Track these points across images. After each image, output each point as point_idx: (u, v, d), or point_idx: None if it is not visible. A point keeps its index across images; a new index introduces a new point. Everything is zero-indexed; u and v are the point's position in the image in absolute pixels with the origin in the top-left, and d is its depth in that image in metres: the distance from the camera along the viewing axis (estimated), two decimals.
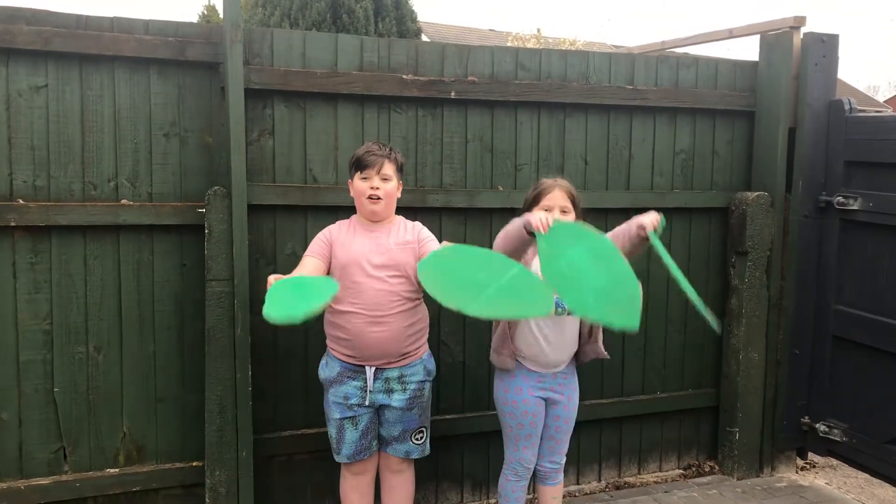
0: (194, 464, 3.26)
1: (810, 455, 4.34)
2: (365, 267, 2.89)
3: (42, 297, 3.03)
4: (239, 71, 3.08)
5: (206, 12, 15.22)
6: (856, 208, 3.82)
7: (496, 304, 2.54)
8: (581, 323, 3.10)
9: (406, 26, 11.34)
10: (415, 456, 3.11)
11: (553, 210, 2.96)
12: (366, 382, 2.95)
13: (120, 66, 3.06)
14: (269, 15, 10.78)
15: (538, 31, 20.62)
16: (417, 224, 3.07)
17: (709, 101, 3.98)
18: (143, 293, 3.17)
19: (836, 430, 3.97)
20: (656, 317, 4.05)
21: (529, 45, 17.20)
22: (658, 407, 4.11)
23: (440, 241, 3.11)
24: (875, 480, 4.03)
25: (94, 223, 3.04)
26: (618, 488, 4.03)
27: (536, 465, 3.16)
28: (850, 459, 3.98)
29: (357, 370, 2.96)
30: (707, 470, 4.23)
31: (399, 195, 3.01)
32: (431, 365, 3.10)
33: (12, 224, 2.93)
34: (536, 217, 2.71)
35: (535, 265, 3.03)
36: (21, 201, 2.95)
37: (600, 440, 4.03)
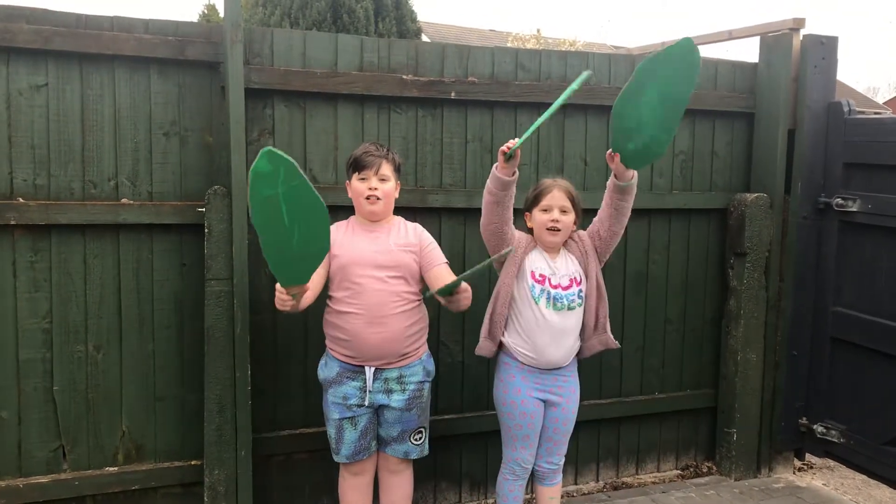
0: (193, 463, 3.26)
1: (808, 456, 4.34)
2: (365, 267, 2.89)
3: (42, 295, 3.03)
4: (239, 70, 3.08)
5: (206, 11, 15.23)
6: (855, 210, 3.83)
7: None
8: (586, 314, 3.09)
9: (406, 26, 11.35)
10: (413, 456, 3.11)
11: (552, 210, 2.98)
12: (365, 383, 2.96)
13: (120, 66, 3.06)
14: (269, 14, 10.79)
15: (538, 31, 20.65)
16: (418, 226, 3.07)
17: (708, 103, 3.98)
18: (142, 292, 3.17)
19: (833, 432, 3.97)
20: (655, 317, 4.06)
21: (529, 46, 17.22)
22: (656, 407, 4.12)
23: (440, 243, 3.12)
24: (872, 482, 4.04)
25: (93, 222, 3.04)
26: (615, 489, 4.03)
27: (535, 465, 3.16)
28: (847, 461, 3.99)
29: (356, 370, 2.96)
30: (705, 470, 4.24)
31: (397, 195, 3.01)
32: (431, 365, 3.10)
33: (12, 222, 2.93)
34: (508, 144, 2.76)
35: (528, 263, 3.03)
36: (21, 200, 2.95)
37: (598, 440, 4.04)
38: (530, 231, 3.10)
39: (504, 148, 2.76)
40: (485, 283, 3.65)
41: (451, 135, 3.56)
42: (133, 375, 3.18)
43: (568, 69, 3.73)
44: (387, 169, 2.92)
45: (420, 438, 3.09)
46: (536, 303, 2.99)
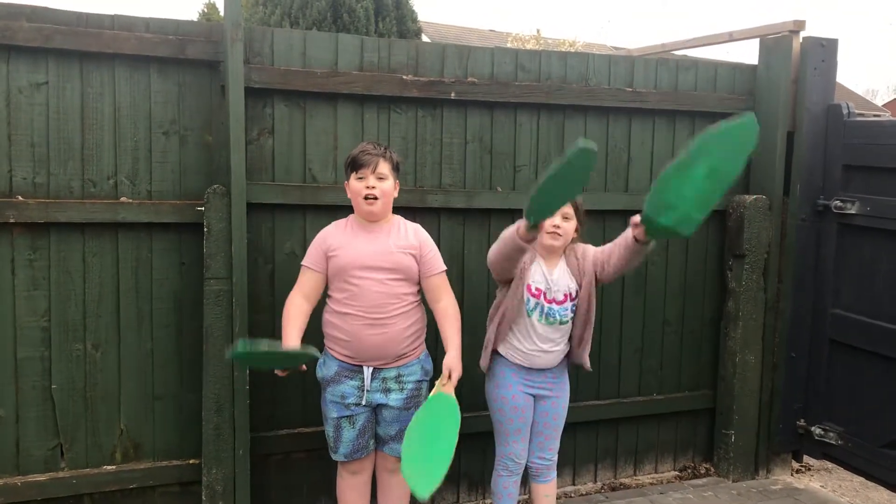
0: (191, 461, 3.26)
1: (805, 458, 4.34)
2: (364, 269, 2.89)
3: (40, 293, 3.03)
4: (239, 70, 3.08)
5: (206, 10, 15.22)
6: (853, 212, 3.83)
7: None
8: (574, 327, 3.15)
9: (406, 26, 11.35)
10: None
11: (554, 215, 2.96)
12: (363, 382, 2.96)
13: (120, 64, 3.06)
14: (269, 14, 10.78)
15: (538, 31, 20.62)
16: (419, 228, 3.05)
17: (708, 105, 3.98)
18: (141, 291, 3.17)
19: (831, 434, 3.98)
20: (654, 318, 4.06)
21: (529, 46, 17.22)
22: (654, 409, 4.12)
23: (439, 244, 3.12)
24: (870, 484, 4.04)
25: (93, 220, 3.04)
26: (613, 489, 4.04)
27: (528, 461, 3.18)
28: (845, 463, 4.00)
29: (354, 370, 2.96)
30: (702, 472, 4.24)
31: (396, 194, 3.00)
32: (429, 365, 3.11)
33: (11, 221, 2.93)
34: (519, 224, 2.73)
35: (531, 274, 3.04)
36: (20, 198, 2.95)
37: (596, 441, 4.04)
38: None
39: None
40: (483, 298, 3.66)
41: (450, 135, 3.56)
42: (131, 374, 3.18)
43: (568, 70, 3.73)
44: (384, 168, 2.90)
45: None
46: (529, 315, 3.07)
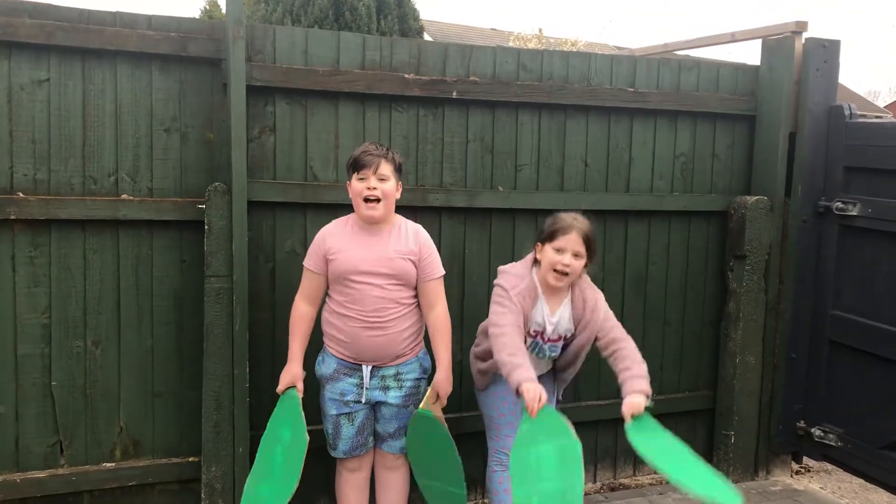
0: (190, 459, 3.26)
1: (805, 459, 4.34)
2: (364, 275, 2.89)
3: (41, 290, 3.03)
4: (241, 68, 3.08)
5: (207, 8, 15.20)
6: (855, 214, 3.83)
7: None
8: (557, 360, 3.20)
9: (408, 24, 11.34)
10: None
11: (565, 253, 2.92)
12: (362, 380, 2.96)
13: (122, 61, 3.06)
14: (271, 11, 10.77)
15: (540, 30, 20.59)
16: (419, 231, 3.03)
17: (710, 105, 3.98)
18: (142, 288, 3.17)
19: (831, 435, 3.98)
20: (654, 319, 4.06)
21: (531, 45, 17.21)
22: (654, 409, 4.10)
23: (440, 243, 3.11)
24: (870, 486, 4.04)
25: (93, 217, 3.04)
26: (613, 489, 4.04)
27: None
28: (844, 464, 4.00)
29: (353, 367, 2.96)
30: None
31: (398, 196, 2.99)
32: (427, 362, 3.11)
33: (12, 217, 2.93)
34: (530, 396, 2.71)
35: (532, 317, 3.03)
36: (21, 194, 2.95)
37: (596, 441, 4.04)
38: (536, 260, 3.05)
39: (531, 409, 2.73)
40: (484, 297, 3.66)
41: (452, 134, 3.56)
42: (132, 371, 3.18)
43: (570, 70, 3.73)
44: (386, 168, 2.89)
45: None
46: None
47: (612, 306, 3.90)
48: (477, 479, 3.81)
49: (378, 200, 2.87)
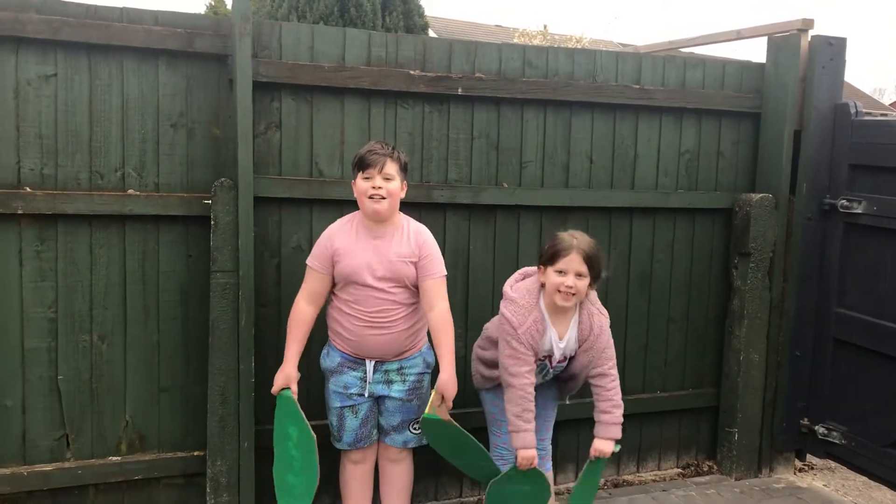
0: (196, 453, 3.28)
1: (809, 457, 4.34)
2: (366, 278, 2.90)
3: (47, 285, 3.04)
4: (247, 63, 3.09)
5: (213, 3, 15.22)
6: (860, 212, 3.82)
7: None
8: (560, 375, 3.20)
9: (413, 21, 11.33)
10: (412, 445, 3.13)
11: (567, 274, 2.90)
12: (365, 374, 2.98)
13: (128, 57, 3.07)
14: (276, 7, 10.77)
15: (545, 27, 20.59)
16: (421, 231, 3.02)
17: (715, 102, 3.98)
18: (148, 283, 3.18)
19: (835, 433, 3.98)
20: (658, 316, 4.06)
21: (536, 42, 17.18)
22: (658, 406, 4.12)
23: (444, 240, 3.12)
24: (873, 483, 4.04)
25: (100, 212, 3.05)
26: (616, 486, 4.04)
27: None
28: (848, 462, 4.00)
29: (357, 361, 2.99)
30: (705, 469, 4.25)
31: (403, 195, 2.99)
32: (431, 357, 3.12)
33: (19, 212, 2.94)
34: (524, 463, 2.94)
35: (541, 345, 3.01)
36: (28, 189, 2.97)
37: None
38: (541, 284, 3.03)
39: (523, 465, 2.97)
40: (488, 294, 3.66)
41: (457, 131, 3.56)
42: (137, 366, 3.20)
43: (575, 66, 3.73)
44: (391, 168, 2.89)
45: (419, 427, 3.11)
46: None
47: (616, 303, 3.93)
48: None
49: (383, 199, 2.88)
